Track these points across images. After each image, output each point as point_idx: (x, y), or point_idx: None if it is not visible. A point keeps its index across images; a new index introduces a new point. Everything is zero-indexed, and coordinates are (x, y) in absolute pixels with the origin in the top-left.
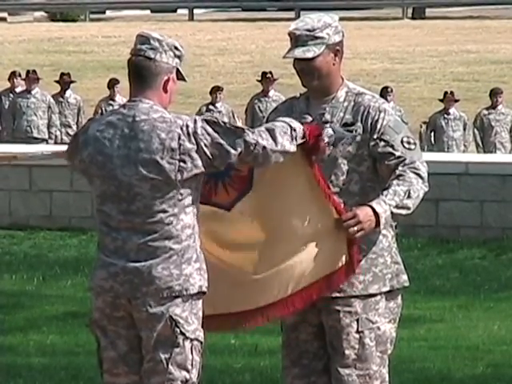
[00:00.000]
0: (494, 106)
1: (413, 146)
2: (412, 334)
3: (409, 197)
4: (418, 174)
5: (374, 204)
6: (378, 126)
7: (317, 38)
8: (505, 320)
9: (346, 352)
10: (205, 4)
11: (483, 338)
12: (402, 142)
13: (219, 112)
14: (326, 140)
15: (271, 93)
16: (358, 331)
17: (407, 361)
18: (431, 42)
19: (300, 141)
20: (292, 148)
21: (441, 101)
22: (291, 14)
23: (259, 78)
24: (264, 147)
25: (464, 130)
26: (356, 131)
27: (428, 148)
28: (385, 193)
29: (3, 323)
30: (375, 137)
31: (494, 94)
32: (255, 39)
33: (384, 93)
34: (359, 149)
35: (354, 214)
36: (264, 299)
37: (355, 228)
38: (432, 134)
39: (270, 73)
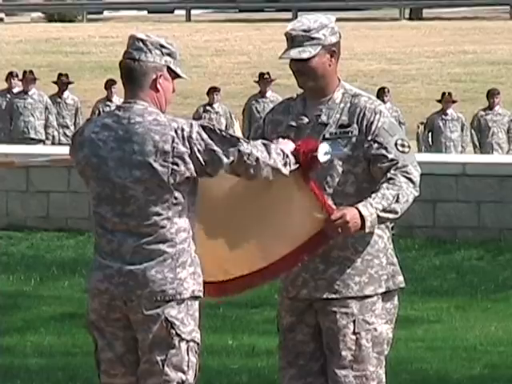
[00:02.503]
0: (491, 107)
1: (406, 149)
2: (409, 334)
3: (397, 201)
4: (410, 179)
5: (360, 206)
6: (373, 128)
7: (313, 38)
8: (502, 321)
9: (343, 353)
10: (202, 5)
11: (480, 338)
12: (395, 144)
13: (216, 113)
14: (322, 158)
15: (268, 93)
16: (354, 332)
17: (404, 362)
18: (428, 42)
19: (293, 167)
20: (284, 170)
21: (439, 101)
22: (288, 15)
23: (256, 79)
24: (257, 159)
25: (462, 130)
26: (352, 133)
27: (426, 149)
28: (373, 196)
29: (0, 324)
30: (369, 138)
31: (491, 94)
32: (252, 40)
33: (381, 93)
34: (355, 150)
35: (342, 213)
36: (248, 267)
37: (340, 229)
38: (430, 134)
39: (268, 73)
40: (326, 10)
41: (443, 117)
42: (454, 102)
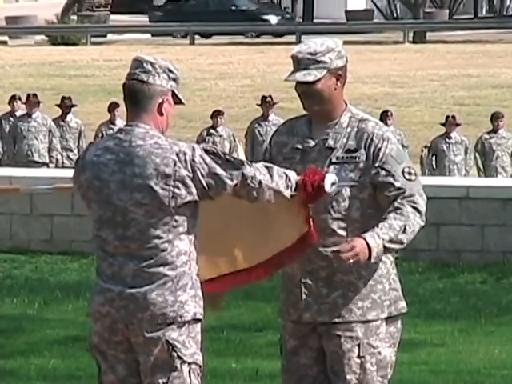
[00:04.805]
0: (495, 130)
1: (413, 177)
2: (413, 357)
3: (404, 232)
4: (416, 208)
5: (367, 237)
6: (381, 155)
7: (319, 61)
8: (506, 344)
9: (348, 377)
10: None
11: (484, 362)
12: (403, 172)
13: (220, 136)
14: (329, 189)
15: (271, 117)
16: (359, 356)
17: None
18: (432, 66)
19: (293, 193)
20: (286, 193)
21: (443, 125)
22: (292, 38)
23: (259, 103)
24: (260, 182)
25: (465, 154)
26: (359, 158)
27: (429, 172)
28: (380, 225)
29: (4, 347)
30: (377, 165)
31: (495, 118)
32: (256, 63)
33: (384, 117)
34: (361, 176)
35: (352, 246)
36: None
37: (352, 260)
38: (433, 158)
39: (270, 97)
40: (330, 34)
41: (447, 140)
42: (457, 125)
